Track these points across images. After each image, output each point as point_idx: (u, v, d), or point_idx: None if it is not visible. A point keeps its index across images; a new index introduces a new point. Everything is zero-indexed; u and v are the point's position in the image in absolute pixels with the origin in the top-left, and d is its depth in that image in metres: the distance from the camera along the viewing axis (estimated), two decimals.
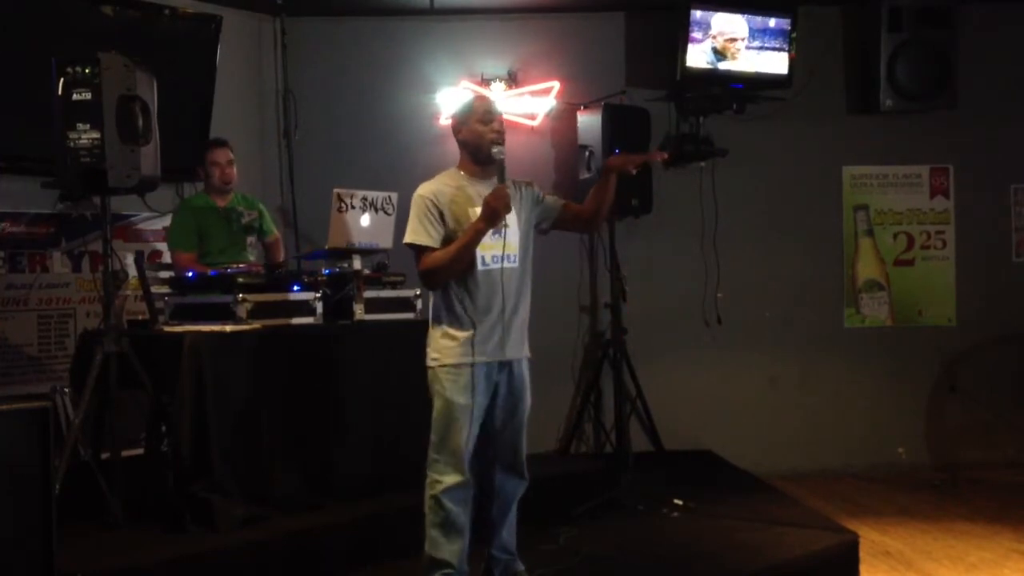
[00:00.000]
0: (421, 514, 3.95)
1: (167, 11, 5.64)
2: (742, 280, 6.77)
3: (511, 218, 3.48)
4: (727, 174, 6.72)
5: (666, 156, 4.47)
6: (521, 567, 3.67)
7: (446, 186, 3.52)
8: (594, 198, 3.67)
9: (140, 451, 4.39)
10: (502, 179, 3.44)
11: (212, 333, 4.03)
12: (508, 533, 3.66)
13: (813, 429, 6.75)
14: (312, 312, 4.46)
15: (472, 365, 3.45)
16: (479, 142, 3.51)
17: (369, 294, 4.60)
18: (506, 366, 3.54)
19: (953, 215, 6.93)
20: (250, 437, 4.06)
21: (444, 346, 3.47)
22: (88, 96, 3.84)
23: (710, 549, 4.24)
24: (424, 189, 3.51)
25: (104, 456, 4.11)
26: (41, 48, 4.42)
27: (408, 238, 3.48)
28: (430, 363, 3.51)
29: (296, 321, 4.39)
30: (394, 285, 4.81)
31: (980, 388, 6.79)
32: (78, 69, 3.85)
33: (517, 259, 3.54)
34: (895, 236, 6.94)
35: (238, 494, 3.95)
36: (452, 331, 3.46)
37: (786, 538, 4.37)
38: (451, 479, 3.43)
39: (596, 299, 6.69)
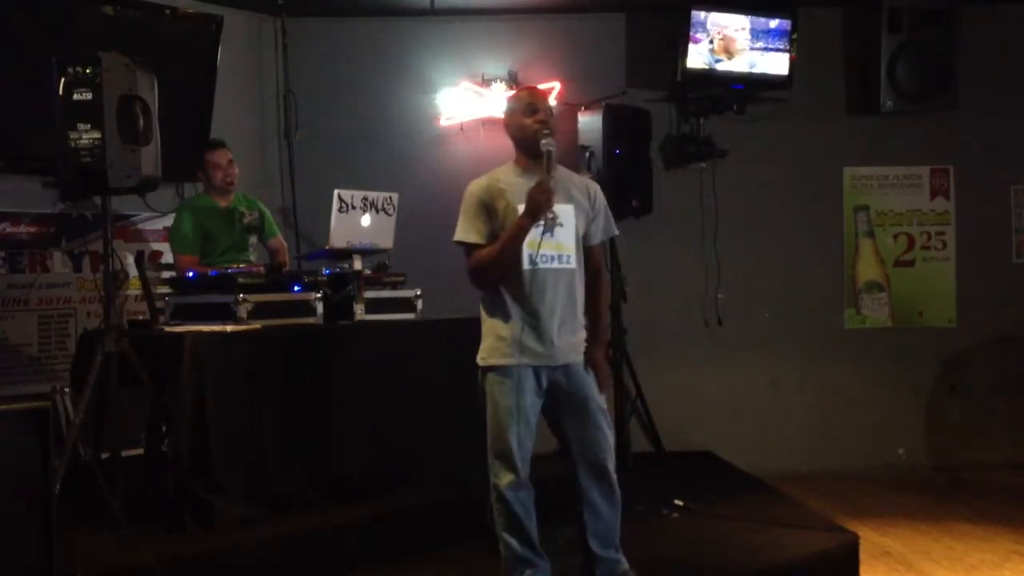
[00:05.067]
0: (420, 514, 3.95)
1: (168, 11, 5.63)
2: (742, 280, 6.77)
3: (566, 216, 3.39)
4: (727, 174, 6.72)
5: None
6: (626, 566, 3.58)
7: (497, 181, 3.45)
8: (591, 311, 3.55)
9: (140, 451, 4.38)
10: (548, 171, 3.34)
11: (212, 333, 4.02)
12: (612, 531, 3.58)
13: (813, 429, 6.75)
14: (313, 312, 4.45)
15: (518, 367, 3.38)
16: (524, 134, 3.45)
17: (370, 294, 4.59)
18: (558, 369, 3.45)
19: (953, 216, 6.94)
20: (250, 437, 4.06)
21: (492, 347, 3.42)
22: (89, 96, 3.83)
23: (710, 549, 4.23)
24: (474, 185, 3.46)
25: (104, 456, 4.10)
26: (41, 48, 4.41)
27: (456, 236, 3.43)
28: (479, 362, 3.46)
29: (296, 321, 4.39)
30: (394, 285, 4.81)
31: (980, 388, 6.79)
32: (79, 69, 3.84)
33: (572, 259, 3.45)
34: (895, 237, 6.94)
35: (238, 494, 3.95)
36: (500, 331, 3.40)
37: (786, 538, 4.36)
38: (505, 479, 3.39)
39: None
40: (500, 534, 3.47)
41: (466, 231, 3.41)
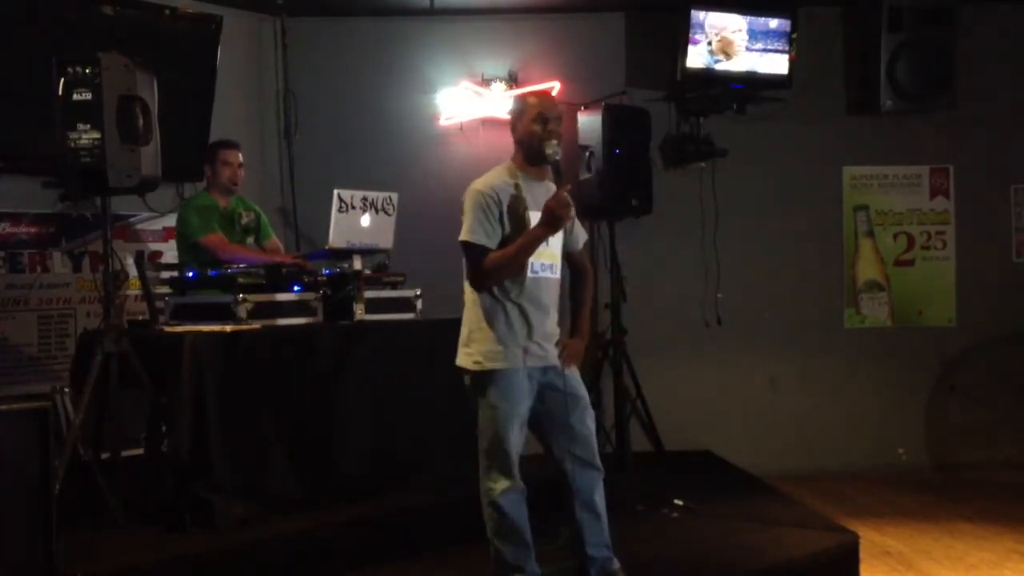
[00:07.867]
0: (420, 514, 3.94)
1: (168, 11, 5.64)
2: (742, 280, 6.77)
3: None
4: (727, 174, 6.72)
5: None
6: (617, 565, 3.58)
7: (505, 184, 3.43)
8: (577, 303, 3.69)
9: (140, 451, 4.38)
10: (558, 182, 3.36)
11: (212, 333, 4.03)
12: (602, 528, 3.58)
13: (813, 429, 6.75)
14: (312, 312, 4.46)
15: (517, 370, 3.40)
16: (531, 140, 3.42)
17: (369, 294, 4.59)
18: (550, 370, 3.49)
19: (953, 215, 6.94)
20: (250, 437, 4.06)
21: (489, 351, 3.40)
22: (88, 96, 3.84)
23: (710, 549, 4.24)
24: (480, 185, 3.41)
25: (104, 456, 4.11)
26: (41, 48, 4.42)
27: (465, 236, 3.35)
28: (471, 366, 3.43)
29: (296, 321, 4.39)
30: (394, 285, 4.81)
31: (980, 388, 6.79)
32: (78, 69, 3.85)
33: (558, 269, 3.51)
34: (895, 236, 6.94)
35: (238, 494, 3.95)
36: (501, 335, 3.39)
37: (786, 538, 4.37)
38: (501, 484, 3.39)
39: (596, 299, 6.69)
40: (491, 539, 3.46)
41: (475, 232, 3.35)
